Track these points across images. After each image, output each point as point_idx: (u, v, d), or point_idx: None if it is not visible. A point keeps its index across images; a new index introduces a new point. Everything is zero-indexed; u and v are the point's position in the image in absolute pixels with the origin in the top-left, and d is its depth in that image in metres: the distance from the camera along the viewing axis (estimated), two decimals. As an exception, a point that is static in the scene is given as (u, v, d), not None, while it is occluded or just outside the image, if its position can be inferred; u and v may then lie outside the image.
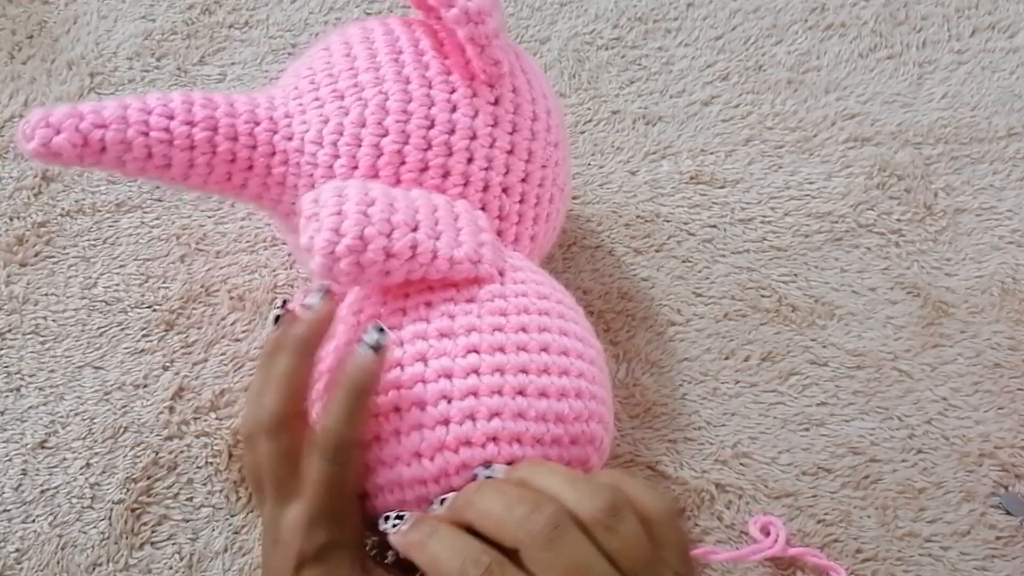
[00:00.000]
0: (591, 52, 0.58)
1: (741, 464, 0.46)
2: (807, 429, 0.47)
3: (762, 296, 0.51)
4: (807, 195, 0.54)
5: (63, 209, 0.52)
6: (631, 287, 0.51)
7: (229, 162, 0.38)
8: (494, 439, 0.33)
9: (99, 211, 0.52)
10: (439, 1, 0.37)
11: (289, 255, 0.51)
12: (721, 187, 0.54)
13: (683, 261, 0.52)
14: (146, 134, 0.36)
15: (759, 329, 0.50)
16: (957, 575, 0.44)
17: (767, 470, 0.46)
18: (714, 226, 0.53)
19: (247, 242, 0.51)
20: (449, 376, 0.34)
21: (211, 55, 0.57)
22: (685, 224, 0.53)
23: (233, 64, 0.57)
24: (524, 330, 0.35)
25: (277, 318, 0.38)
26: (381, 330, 0.34)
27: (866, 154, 0.55)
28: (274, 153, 0.39)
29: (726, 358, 0.49)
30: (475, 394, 0.34)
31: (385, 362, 0.34)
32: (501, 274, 0.37)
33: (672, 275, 0.51)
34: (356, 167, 0.38)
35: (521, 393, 0.34)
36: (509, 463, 0.33)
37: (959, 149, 0.55)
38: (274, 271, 0.50)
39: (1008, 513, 0.45)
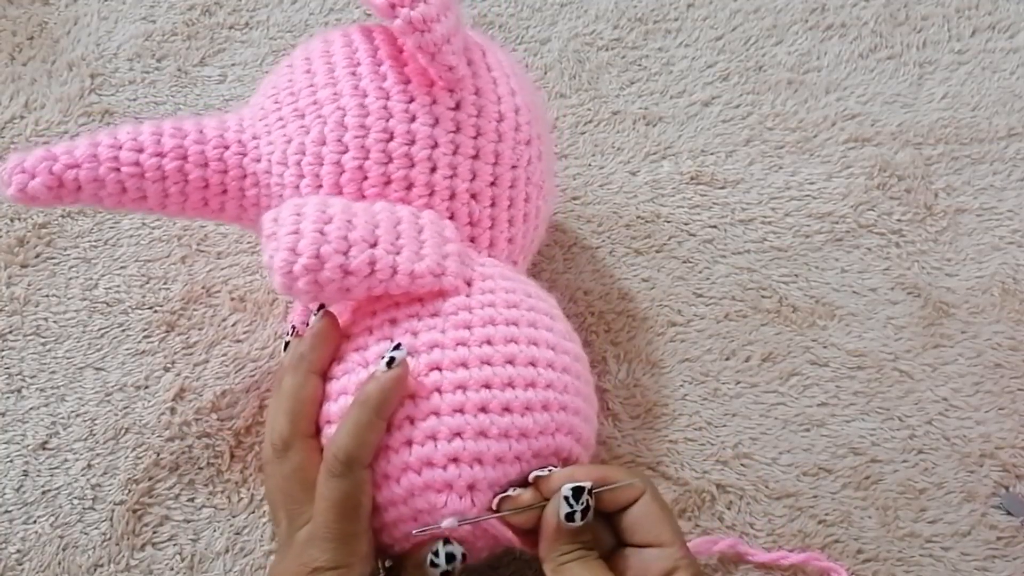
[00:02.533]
0: (591, 53, 0.58)
1: (742, 465, 0.46)
2: (808, 430, 0.47)
3: (763, 297, 0.51)
4: (807, 195, 0.54)
5: (64, 210, 0.52)
6: (632, 288, 0.51)
7: (203, 188, 0.39)
8: (455, 460, 0.33)
9: (99, 212, 0.52)
10: (382, 12, 0.36)
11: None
12: (721, 188, 0.54)
13: (684, 262, 0.52)
14: (117, 170, 0.37)
15: (760, 330, 0.50)
16: (958, 575, 0.44)
17: (768, 471, 0.46)
18: (715, 227, 0.53)
19: (248, 243, 0.51)
20: (412, 397, 0.34)
21: (211, 56, 0.57)
22: (686, 225, 0.53)
23: (233, 65, 0.57)
24: (489, 343, 0.35)
25: (287, 344, 0.38)
26: (397, 347, 0.34)
27: (866, 154, 0.55)
28: (245, 176, 0.39)
29: (727, 359, 0.49)
30: (436, 414, 0.34)
31: (401, 381, 0.34)
32: (469, 284, 0.37)
33: (673, 276, 0.51)
34: (320, 185, 0.38)
35: (483, 410, 0.34)
36: (470, 486, 0.33)
37: (959, 149, 0.55)
38: (275, 272, 0.50)
39: (1009, 513, 0.45)
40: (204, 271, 0.50)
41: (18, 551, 0.43)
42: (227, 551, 0.44)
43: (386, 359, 0.34)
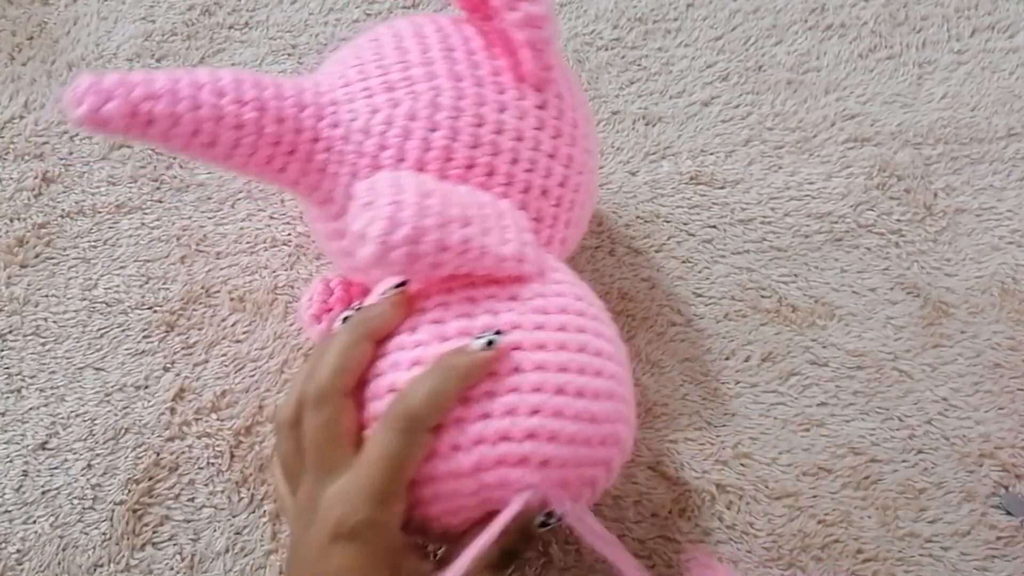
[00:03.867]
0: (591, 53, 0.58)
1: (742, 465, 0.46)
2: (807, 429, 0.47)
3: (762, 296, 0.51)
4: (807, 195, 0.54)
5: (63, 210, 0.52)
6: (631, 287, 0.51)
7: (273, 144, 0.38)
8: (532, 436, 0.33)
9: (99, 212, 0.52)
10: (503, 3, 0.37)
11: (290, 256, 0.51)
12: (721, 187, 0.54)
13: (683, 261, 0.52)
14: (196, 109, 0.36)
15: (759, 329, 0.50)
16: (957, 575, 0.44)
17: (768, 470, 0.46)
18: (714, 226, 0.53)
19: (247, 243, 0.51)
20: (492, 373, 0.34)
21: (211, 56, 0.57)
22: (685, 224, 0.53)
23: (233, 65, 0.57)
24: (564, 329, 0.35)
25: (345, 318, 0.38)
26: (498, 332, 0.34)
27: (866, 154, 0.55)
28: (317, 139, 0.38)
29: (726, 358, 0.49)
30: (517, 391, 0.34)
31: (491, 364, 0.34)
32: (541, 274, 0.37)
33: (672, 275, 0.51)
34: (403, 159, 0.38)
35: (560, 392, 0.34)
36: (543, 462, 0.34)
37: (959, 149, 0.55)
38: (274, 272, 0.50)
39: (1008, 513, 0.45)
40: (203, 271, 0.50)
41: (18, 551, 0.43)
42: (227, 551, 0.44)
43: (486, 339, 0.34)
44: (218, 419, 0.46)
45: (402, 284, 0.36)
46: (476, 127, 0.38)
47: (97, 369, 0.48)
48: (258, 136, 0.37)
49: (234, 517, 0.44)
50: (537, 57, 0.38)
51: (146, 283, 0.50)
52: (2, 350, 0.48)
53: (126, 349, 0.48)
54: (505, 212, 0.37)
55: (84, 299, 0.49)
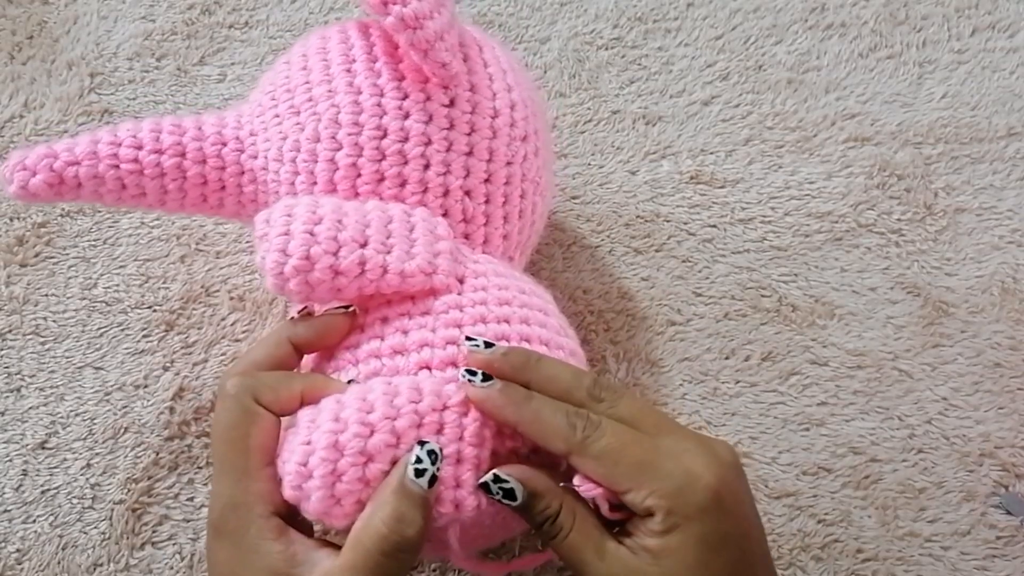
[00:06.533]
0: (591, 52, 0.58)
1: (741, 464, 0.46)
2: (807, 429, 0.47)
3: (762, 296, 0.51)
4: (807, 195, 0.54)
5: (63, 210, 0.52)
6: (631, 287, 0.51)
7: (201, 184, 0.39)
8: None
9: (99, 212, 0.52)
10: (376, 9, 0.36)
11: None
12: (721, 187, 0.54)
13: (683, 261, 0.52)
14: (117, 167, 0.37)
15: (759, 329, 0.50)
16: (957, 575, 0.44)
17: (767, 470, 0.46)
18: (714, 226, 0.53)
19: (247, 242, 0.51)
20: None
21: (211, 55, 0.57)
22: (685, 224, 0.53)
23: (233, 64, 0.57)
24: None
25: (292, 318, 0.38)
26: (351, 381, 0.33)
27: (866, 154, 0.55)
28: (243, 172, 0.39)
29: (726, 358, 0.49)
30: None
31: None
32: (461, 282, 0.37)
33: (672, 275, 0.51)
34: (315, 183, 0.38)
35: None
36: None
37: (959, 149, 0.55)
38: (274, 271, 0.50)
39: (1008, 513, 0.45)
40: (203, 270, 0.50)
41: (17, 550, 0.43)
42: (226, 550, 0.44)
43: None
44: (218, 418, 0.46)
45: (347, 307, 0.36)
46: (379, 140, 0.38)
47: (96, 368, 0.48)
48: (183, 180, 0.39)
49: (233, 516, 0.44)
50: (425, 58, 0.37)
51: (146, 282, 0.50)
52: (2, 349, 0.48)
53: (126, 348, 0.48)
54: (416, 223, 0.37)
55: (84, 298, 0.49)
